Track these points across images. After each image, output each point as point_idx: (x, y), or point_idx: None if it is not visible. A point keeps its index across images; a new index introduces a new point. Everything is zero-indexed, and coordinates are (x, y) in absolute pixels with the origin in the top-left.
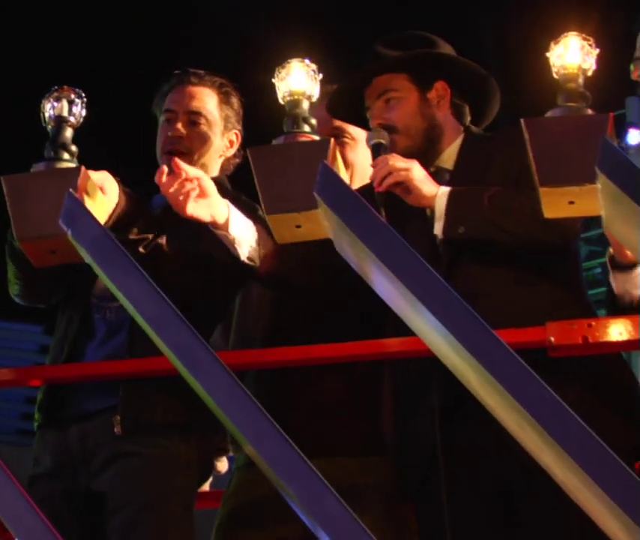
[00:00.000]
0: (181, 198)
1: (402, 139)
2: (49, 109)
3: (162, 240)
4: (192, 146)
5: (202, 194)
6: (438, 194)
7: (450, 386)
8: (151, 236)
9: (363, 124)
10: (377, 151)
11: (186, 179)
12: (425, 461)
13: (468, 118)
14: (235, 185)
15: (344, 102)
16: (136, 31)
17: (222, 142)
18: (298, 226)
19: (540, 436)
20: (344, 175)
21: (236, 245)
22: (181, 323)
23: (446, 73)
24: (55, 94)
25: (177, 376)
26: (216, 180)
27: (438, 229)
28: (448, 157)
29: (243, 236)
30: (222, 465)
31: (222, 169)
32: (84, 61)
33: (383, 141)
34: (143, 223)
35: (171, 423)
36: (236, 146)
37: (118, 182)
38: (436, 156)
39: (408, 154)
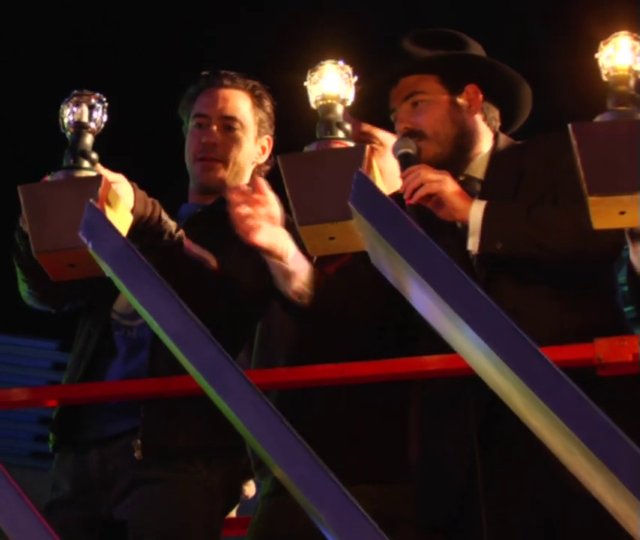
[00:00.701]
0: (251, 223)
1: (431, 146)
2: (68, 114)
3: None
4: (227, 153)
5: (270, 220)
6: (472, 208)
7: (489, 407)
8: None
9: (387, 127)
10: (404, 161)
11: (260, 203)
12: (458, 489)
13: (498, 124)
14: None
15: (368, 103)
16: (158, 31)
17: (255, 149)
18: (332, 238)
19: (590, 460)
20: (380, 183)
21: (292, 278)
22: (208, 341)
23: (477, 75)
24: (75, 98)
25: (202, 396)
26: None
27: (472, 244)
28: (478, 165)
29: (299, 270)
30: (250, 489)
31: (253, 176)
32: (104, 64)
33: (410, 151)
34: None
35: (194, 447)
36: (268, 152)
37: (135, 187)
38: (465, 165)
39: (436, 163)
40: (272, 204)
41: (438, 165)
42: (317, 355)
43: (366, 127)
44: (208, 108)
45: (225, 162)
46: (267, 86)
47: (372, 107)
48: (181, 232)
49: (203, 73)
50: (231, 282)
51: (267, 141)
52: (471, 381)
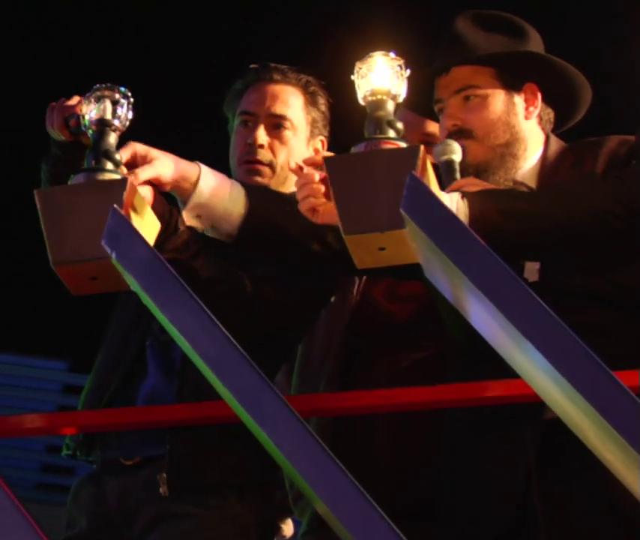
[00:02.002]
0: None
1: (479, 148)
2: (89, 111)
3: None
4: (276, 156)
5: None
6: None
7: (552, 435)
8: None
9: (433, 117)
10: (447, 170)
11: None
12: (506, 521)
13: (552, 126)
14: None
15: (417, 91)
16: (194, 22)
17: (307, 151)
18: (382, 249)
19: None
20: (435, 188)
21: None
22: (246, 363)
23: (537, 72)
24: (97, 93)
25: (235, 423)
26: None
27: (529, 272)
28: (528, 172)
29: None
30: (288, 528)
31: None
32: (129, 55)
33: (455, 157)
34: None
35: (225, 481)
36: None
37: (155, 194)
38: (514, 171)
39: (477, 168)
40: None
41: (480, 171)
42: (364, 374)
43: (431, 128)
44: (256, 105)
45: (272, 166)
46: (322, 81)
47: (421, 96)
48: (200, 243)
49: (251, 65)
50: (263, 302)
51: (320, 143)
52: (531, 406)
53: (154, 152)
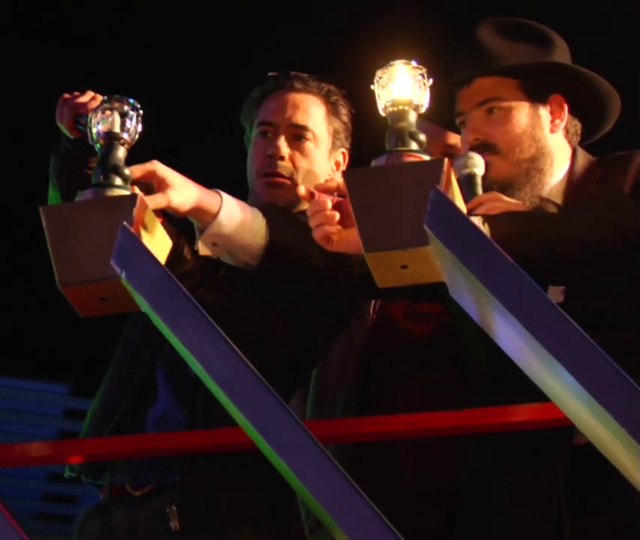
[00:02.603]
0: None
1: (503, 164)
2: (97, 123)
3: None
4: (297, 169)
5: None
6: None
7: (583, 462)
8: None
9: (454, 129)
10: (469, 184)
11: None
12: None
13: (579, 139)
14: None
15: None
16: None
17: (329, 164)
18: (404, 267)
19: None
20: (461, 203)
21: None
22: (262, 387)
23: (564, 83)
24: (105, 105)
25: (249, 451)
26: None
27: (552, 293)
28: (554, 187)
29: None
30: None
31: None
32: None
33: (477, 171)
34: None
35: (239, 513)
36: (343, 167)
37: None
38: (540, 186)
39: (502, 184)
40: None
41: (504, 187)
42: (383, 395)
43: (453, 140)
44: (275, 115)
45: (293, 179)
46: (343, 91)
47: (441, 107)
48: (205, 272)
49: (270, 73)
50: (274, 331)
51: (342, 155)
52: (560, 431)
53: (172, 179)
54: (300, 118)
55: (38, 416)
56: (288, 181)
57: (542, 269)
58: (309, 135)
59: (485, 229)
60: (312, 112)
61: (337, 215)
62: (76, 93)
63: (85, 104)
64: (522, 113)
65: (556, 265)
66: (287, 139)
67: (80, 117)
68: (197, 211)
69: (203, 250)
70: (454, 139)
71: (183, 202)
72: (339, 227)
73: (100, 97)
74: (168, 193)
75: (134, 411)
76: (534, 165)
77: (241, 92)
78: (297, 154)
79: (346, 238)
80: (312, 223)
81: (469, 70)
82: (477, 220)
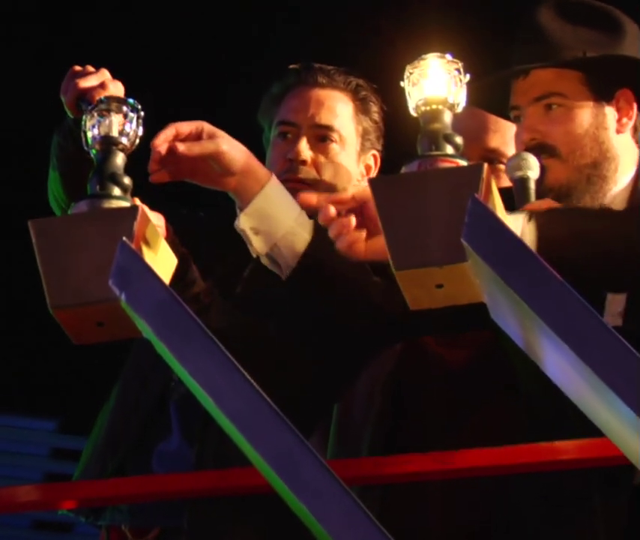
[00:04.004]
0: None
1: (562, 168)
2: (92, 127)
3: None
4: (321, 174)
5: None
6: None
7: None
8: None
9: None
10: (521, 188)
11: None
12: None
13: None
14: None
15: (490, 92)
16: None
17: (358, 168)
18: (439, 286)
19: None
20: (503, 214)
21: None
22: (280, 422)
23: (634, 77)
24: (101, 106)
25: (266, 494)
26: None
27: (611, 315)
28: (618, 195)
29: None
30: None
31: None
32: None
33: (530, 174)
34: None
35: None
36: (374, 172)
37: (169, 233)
38: (601, 196)
39: (559, 191)
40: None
41: (567, 193)
42: (416, 427)
43: (494, 143)
44: (297, 114)
45: (316, 185)
46: (374, 85)
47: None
48: (213, 295)
49: (292, 66)
50: (289, 360)
51: (372, 158)
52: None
53: (222, 132)
54: (324, 118)
55: (21, 456)
56: (310, 189)
57: (599, 275)
58: (334, 136)
59: (530, 227)
60: (339, 111)
61: (353, 220)
62: (89, 68)
63: (91, 90)
64: (585, 111)
65: (614, 269)
66: (309, 141)
67: (83, 102)
68: (246, 174)
69: (242, 229)
70: (496, 141)
71: (234, 156)
72: (362, 234)
73: (110, 86)
74: (217, 140)
75: (141, 445)
76: (597, 171)
77: (257, 89)
78: (321, 158)
79: (375, 244)
80: (330, 234)
81: (526, 60)
82: (520, 218)
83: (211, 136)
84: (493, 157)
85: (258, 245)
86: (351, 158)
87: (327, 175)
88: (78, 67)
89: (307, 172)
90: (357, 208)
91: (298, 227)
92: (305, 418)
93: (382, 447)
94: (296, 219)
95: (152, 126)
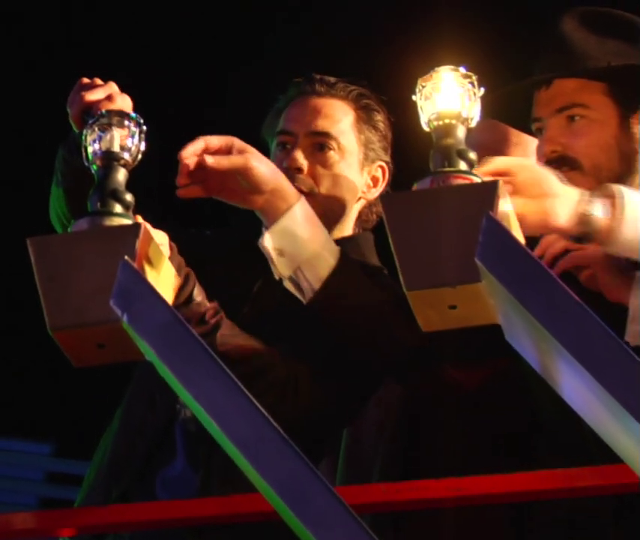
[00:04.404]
0: None
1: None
2: (92, 141)
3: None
4: (318, 184)
5: None
6: (632, 294)
7: None
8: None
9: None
10: None
11: None
12: None
13: None
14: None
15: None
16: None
17: (362, 179)
18: (452, 307)
19: None
20: (518, 232)
21: None
22: (288, 448)
23: None
24: (103, 120)
25: (273, 522)
26: (349, 239)
27: (633, 335)
28: None
29: None
30: None
31: (361, 219)
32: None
33: None
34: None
35: None
36: (382, 185)
37: (173, 251)
38: None
39: None
40: None
41: None
42: (433, 450)
43: (517, 156)
44: (294, 123)
45: (314, 195)
46: (379, 94)
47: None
48: (219, 316)
49: (296, 79)
50: (299, 385)
51: (380, 169)
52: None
53: (252, 149)
54: (320, 125)
55: (15, 481)
56: (307, 198)
57: None
58: (332, 144)
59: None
60: (337, 117)
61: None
62: (96, 81)
63: (97, 103)
64: (609, 123)
65: None
66: (306, 150)
67: (89, 114)
68: (274, 192)
69: (267, 249)
70: (517, 154)
71: (263, 173)
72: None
73: (117, 99)
74: (247, 155)
75: (146, 470)
76: (620, 185)
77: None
78: (318, 167)
79: (523, 218)
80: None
81: (548, 69)
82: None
83: (241, 152)
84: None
85: (281, 267)
86: (353, 168)
87: (325, 185)
88: (86, 80)
89: (303, 181)
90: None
91: (324, 252)
92: (313, 444)
93: (394, 473)
94: (323, 243)
95: (151, 125)
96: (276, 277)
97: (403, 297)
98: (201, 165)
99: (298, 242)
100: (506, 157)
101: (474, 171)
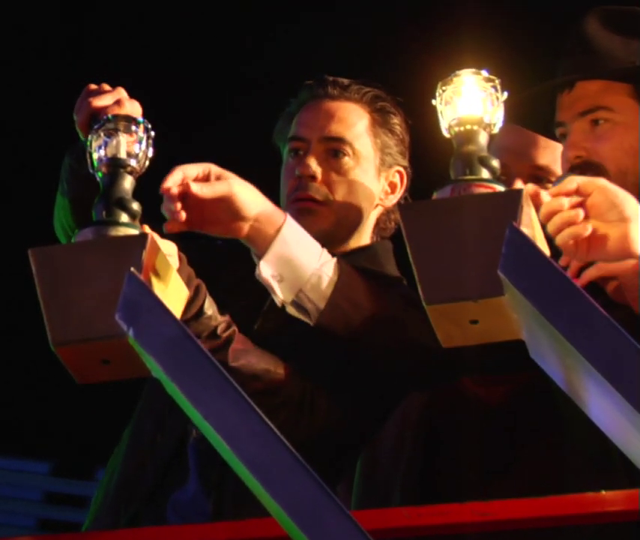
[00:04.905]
0: None
1: None
2: (98, 148)
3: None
4: (333, 192)
5: None
6: None
7: None
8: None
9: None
10: None
11: None
12: None
13: None
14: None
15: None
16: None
17: (379, 186)
18: (473, 322)
19: None
20: (544, 244)
21: None
22: (302, 470)
23: None
24: (109, 125)
25: None
26: (367, 249)
27: None
28: None
29: None
30: None
31: (379, 227)
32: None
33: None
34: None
35: None
36: (400, 191)
37: (183, 262)
38: None
39: None
40: None
41: None
42: (452, 473)
43: (544, 161)
44: (307, 128)
45: (329, 204)
46: (395, 97)
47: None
48: (231, 330)
49: (307, 82)
50: (315, 403)
51: (397, 174)
52: None
53: (231, 174)
54: (334, 130)
55: (12, 501)
56: (322, 208)
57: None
58: (346, 149)
59: None
60: (352, 121)
61: (581, 213)
62: (104, 87)
63: (105, 110)
64: (634, 125)
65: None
66: (319, 156)
67: (97, 121)
68: (259, 217)
69: (266, 282)
70: (546, 158)
71: (246, 198)
72: (586, 228)
73: (126, 105)
74: (229, 182)
75: (156, 492)
76: None
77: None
78: (333, 174)
79: (600, 243)
80: (551, 228)
81: (571, 71)
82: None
83: (219, 178)
84: (542, 175)
85: (284, 294)
86: (369, 174)
87: (340, 193)
88: (93, 86)
89: (317, 190)
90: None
91: (323, 267)
92: (330, 466)
93: (415, 495)
94: (319, 259)
95: (160, 131)
96: (279, 304)
97: (418, 302)
98: (182, 196)
99: (295, 265)
100: (579, 177)
101: (550, 187)
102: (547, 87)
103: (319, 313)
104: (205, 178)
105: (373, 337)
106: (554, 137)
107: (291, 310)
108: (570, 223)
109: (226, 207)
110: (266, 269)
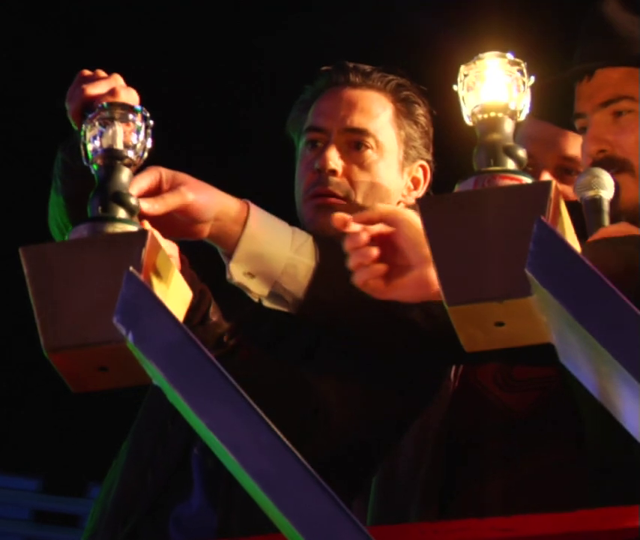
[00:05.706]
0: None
1: (634, 185)
2: (93, 138)
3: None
4: (355, 187)
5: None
6: None
7: None
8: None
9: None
10: (593, 210)
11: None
12: None
13: None
14: None
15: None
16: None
17: (402, 181)
18: (499, 324)
19: None
20: (574, 240)
21: None
22: (315, 485)
23: None
24: (104, 114)
25: None
26: None
27: None
28: None
29: None
30: None
31: None
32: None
33: (604, 194)
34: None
35: None
36: (424, 186)
37: (185, 265)
38: None
39: (633, 213)
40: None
41: (635, 217)
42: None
43: (572, 151)
44: (326, 118)
45: (350, 199)
46: (421, 86)
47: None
48: (238, 337)
49: (324, 67)
50: (329, 413)
51: (421, 169)
52: None
53: (182, 176)
54: (356, 120)
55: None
56: (343, 202)
57: None
58: (369, 141)
59: None
60: (374, 112)
61: (375, 251)
62: (99, 73)
63: (99, 98)
64: None
65: None
66: (341, 148)
67: (90, 110)
68: (221, 217)
69: (238, 281)
70: (576, 148)
71: (203, 203)
72: (383, 268)
73: (121, 93)
74: (182, 190)
75: (157, 506)
76: None
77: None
78: (355, 168)
79: (398, 282)
80: (350, 264)
81: (590, 59)
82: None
83: (171, 184)
84: (571, 166)
85: (257, 289)
86: (392, 169)
87: (363, 188)
88: (87, 72)
89: (338, 185)
90: (378, 237)
91: (297, 255)
92: (345, 480)
93: (433, 508)
94: (291, 246)
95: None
96: (255, 300)
97: None
98: None
99: (266, 259)
100: (385, 205)
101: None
102: (566, 76)
103: (299, 303)
104: (157, 188)
105: (359, 321)
106: (573, 129)
107: (268, 303)
108: (365, 264)
109: (183, 214)
110: (236, 270)
